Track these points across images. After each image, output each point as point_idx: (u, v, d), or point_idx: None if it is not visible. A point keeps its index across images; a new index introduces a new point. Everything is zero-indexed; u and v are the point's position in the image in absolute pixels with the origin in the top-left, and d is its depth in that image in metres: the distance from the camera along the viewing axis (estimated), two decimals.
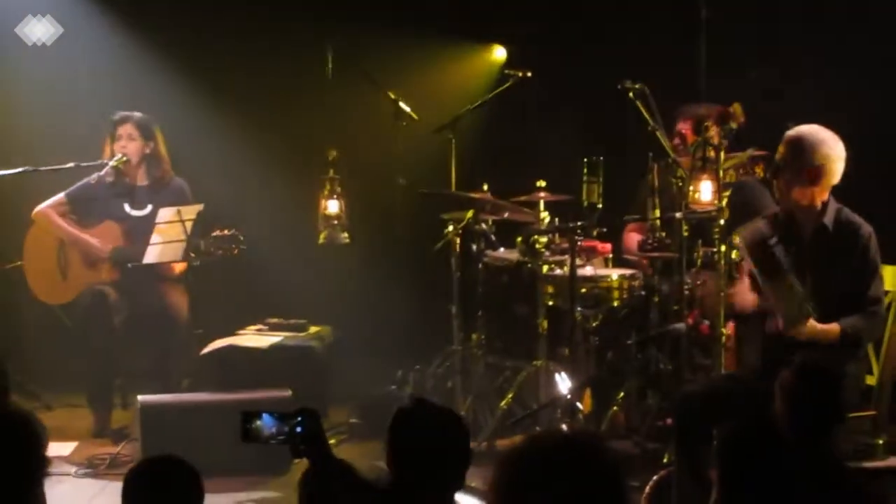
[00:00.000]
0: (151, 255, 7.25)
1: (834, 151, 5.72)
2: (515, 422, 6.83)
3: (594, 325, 7.11)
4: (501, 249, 7.57)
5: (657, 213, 6.87)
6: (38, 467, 3.58)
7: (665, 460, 6.46)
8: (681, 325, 6.52)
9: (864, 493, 4.35)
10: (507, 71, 7.85)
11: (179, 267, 7.44)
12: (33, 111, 8.51)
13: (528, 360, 7.18)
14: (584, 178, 6.92)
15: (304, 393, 6.88)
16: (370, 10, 8.63)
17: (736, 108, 6.72)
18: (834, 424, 4.49)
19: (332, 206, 7.61)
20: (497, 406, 7.16)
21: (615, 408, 7.07)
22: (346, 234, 7.63)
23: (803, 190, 5.71)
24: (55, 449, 6.81)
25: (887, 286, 5.97)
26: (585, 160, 6.93)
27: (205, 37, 8.59)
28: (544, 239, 7.05)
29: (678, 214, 6.45)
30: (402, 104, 7.73)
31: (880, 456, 5.42)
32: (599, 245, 7.25)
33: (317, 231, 7.67)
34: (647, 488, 5.89)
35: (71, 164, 7.54)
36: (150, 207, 7.48)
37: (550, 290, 7.12)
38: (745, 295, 5.84)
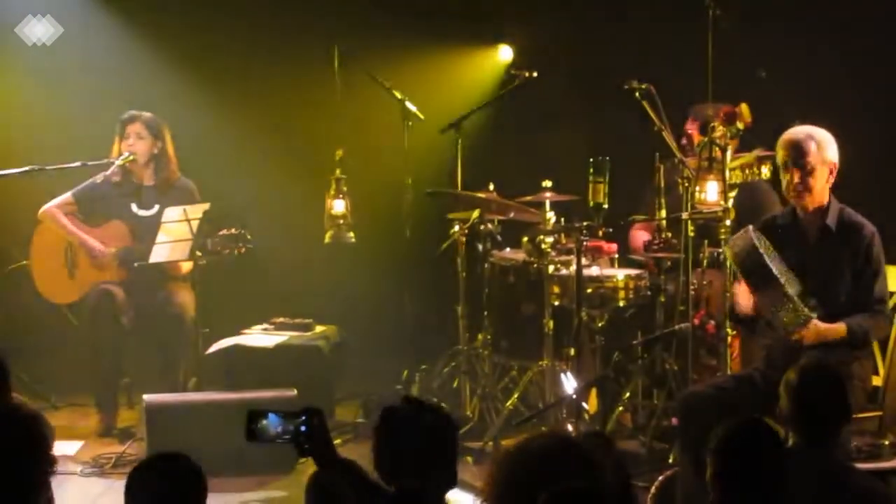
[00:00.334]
0: (158, 255, 7.25)
1: (836, 148, 5.75)
2: (521, 422, 6.83)
3: (600, 325, 7.11)
4: (507, 249, 7.57)
5: (663, 213, 6.87)
6: (44, 466, 3.59)
7: (671, 460, 6.46)
8: (686, 325, 6.51)
9: (870, 493, 4.34)
10: (513, 71, 7.86)
11: (186, 266, 7.44)
12: (33, 111, 8.51)
13: (534, 359, 7.18)
14: (590, 178, 6.91)
15: (309, 392, 6.89)
16: (376, 10, 8.63)
17: (743, 108, 6.73)
18: (840, 425, 4.48)
19: (338, 206, 7.61)
20: (503, 406, 7.17)
21: (621, 408, 7.07)
22: (351, 234, 7.64)
23: (822, 189, 5.72)
24: (61, 448, 6.82)
25: (893, 287, 5.97)
26: (591, 160, 6.92)
27: (210, 37, 8.59)
28: (550, 239, 7.05)
29: (684, 215, 6.44)
30: (408, 104, 7.73)
31: (886, 457, 5.42)
32: (605, 245, 7.24)
33: (323, 230, 7.68)
34: (653, 488, 5.88)
35: (77, 164, 7.54)
36: (156, 207, 7.48)
37: (556, 290, 7.12)
38: (744, 296, 5.83)
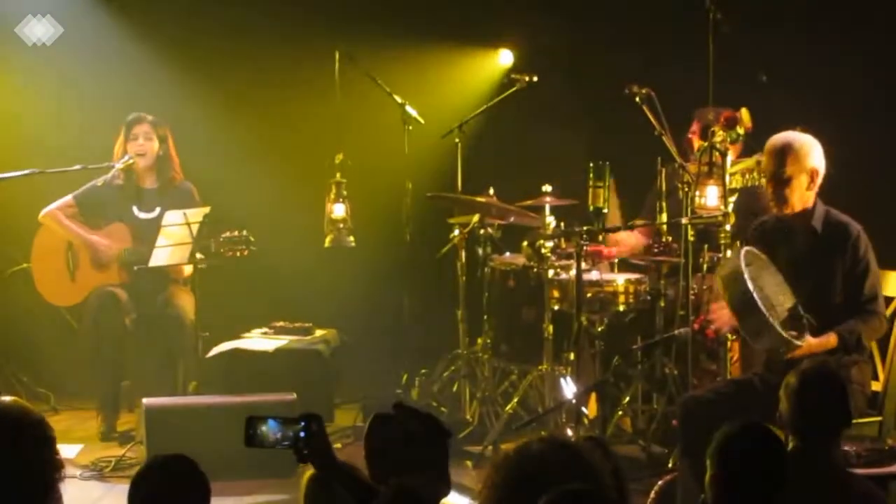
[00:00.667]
0: (158, 258, 7.26)
1: (820, 151, 5.75)
2: (521, 426, 6.83)
3: (600, 329, 7.11)
4: (507, 254, 7.58)
5: (664, 217, 6.87)
6: (53, 471, 3.59)
7: (670, 465, 6.46)
8: (686, 330, 6.51)
9: (869, 498, 4.34)
10: (513, 75, 7.86)
11: (187, 270, 7.45)
12: (33, 112, 8.51)
13: (534, 364, 7.18)
14: (590, 182, 6.92)
15: (309, 396, 6.89)
16: (377, 14, 8.64)
17: (744, 113, 6.73)
18: (840, 429, 4.48)
19: (339, 210, 7.62)
20: (503, 410, 7.17)
21: (620, 412, 7.08)
22: (352, 238, 7.64)
23: (803, 195, 5.71)
24: (61, 451, 6.80)
25: (891, 292, 5.97)
26: (591, 165, 6.93)
27: (210, 39, 8.59)
28: (550, 243, 7.05)
29: (684, 220, 6.44)
30: (408, 108, 7.74)
31: (886, 462, 5.41)
32: (605, 249, 7.25)
33: (323, 234, 7.68)
34: (653, 493, 5.88)
35: (78, 167, 7.54)
36: (157, 210, 7.49)
37: (556, 294, 7.12)
38: (724, 313, 5.83)
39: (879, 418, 5.78)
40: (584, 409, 6.92)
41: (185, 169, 7.69)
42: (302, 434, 3.65)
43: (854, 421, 5.47)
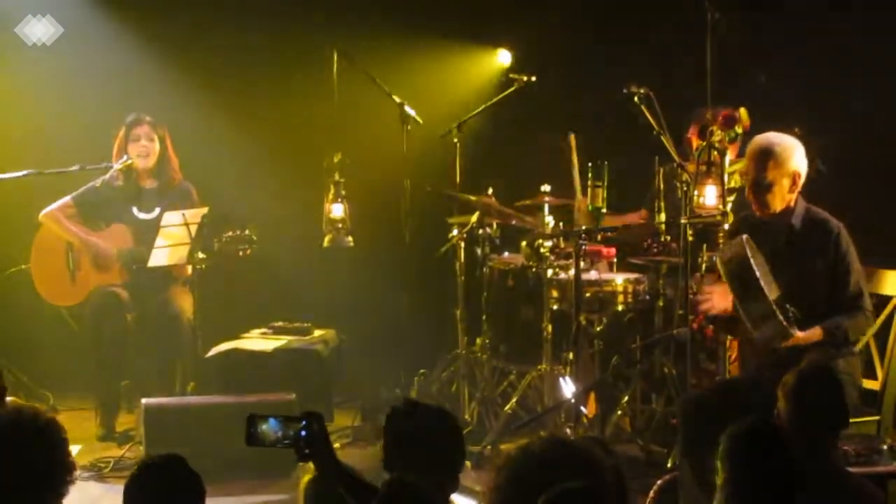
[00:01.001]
0: (156, 259, 7.26)
1: (802, 153, 5.74)
2: (520, 426, 6.83)
3: (599, 329, 7.12)
4: (506, 253, 7.58)
5: (662, 216, 6.87)
6: (64, 475, 3.59)
7: (669, 464, 6.47)
8: (685, 330, 6.52)
9: (867, 497, 4.34)
10: (511, 75, 7.86)
11: (186, 271, 7.45)
12: (33, 112, 8.51)
13: (533, 364, 7.18)
14: (589, 182, 6.92)
15: (308, 396, 6.90)
16: (376, 14, 8.64)
17: (742, 112, 6.73)
18: (838, 428, 4.49)
19: (337, 210, 7.61)
20: (502, 410, 7.17)
21: (620, 412, 7.07)
22: (350, 238, 7.64)
23: (784, 197, 5.70)
24: None
25: (890, 291, 5.97)
26: (590, 165, 6.93)
27: (209, 39, 8.59)
28: (549, 243, 7.05)
29: (683, 219, 6.45)
30: (407, 108, 7.74)
31: (885, 461, 5.42)
32: (604, 249, 7.25)
33: (321, 234, 7.68)
34: (652, 492, 5.89)
35: (76, 167, 7.54)
36: (157, 210, 7.49)
37: (555, 294, 7.13)
38: (721, 298, 5.83)
39: (877, 417, 5.79)
40: (583, 408, 6.92)
41: (184, 169, 7.70)
42: (303, 433, 3.66)
43: (853, 419, 5.50)
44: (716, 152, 6.38)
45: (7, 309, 8.11)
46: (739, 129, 6.75)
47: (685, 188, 6.64)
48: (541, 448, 3.14)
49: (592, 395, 7.07)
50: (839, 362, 5.54)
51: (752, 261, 5.46)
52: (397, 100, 7.75)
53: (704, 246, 6.66)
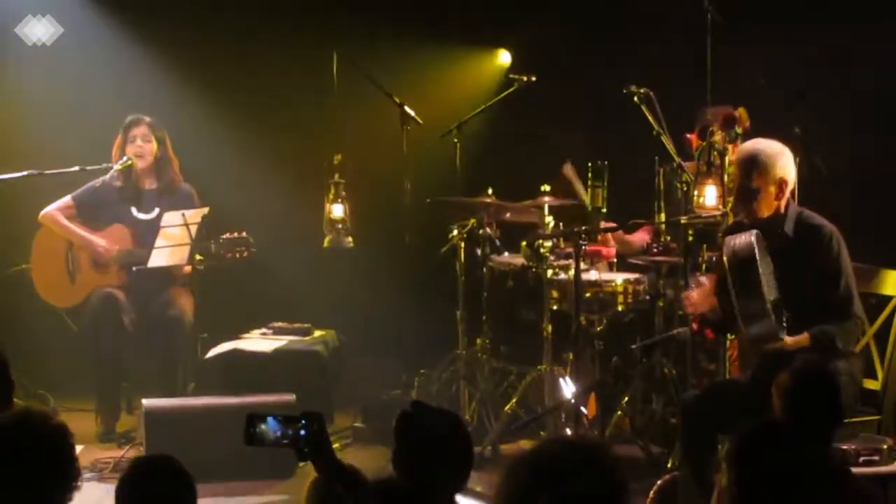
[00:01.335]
0: (157, 259, 7.26)
1: (789, 158, 5.69)
2: (520, 426, 6.83)
3: (599, 329, 7.11)
4: (506, 254, 7.58)
5: (662, 216, 6.87)
6: (72, 479, 3.59)
7: (669, 465, 6.46)
8: (685, 330, 6.51)
9: (865, 496, 4.34)
10: (511, 75, 7.86)
11: (185, 271, 7.45)
12: (33, 111, 8.51)
13: (533, 364, 7.18)
14: (589, 182, 6.92)
15: (308, 397, 6.89)
16: (375, 15, 8.64)
17: (741, 112, 6.73)
18: (834, 426, 4.48)
19: (337, 211, 7.62)
20: (502, 410, 7.17)
21: (620, 412, 7.07)
22: (350, 239, 7.64)
23: (770, 204, 5.68)
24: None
25: (890, 291, 5.96)
26: (590, 165, 6.93)
27: (209, 40, 8.59)
28: (549, 243, 7.05)
29: (683, 219, 6.44)
30: (407, 109, 7.73)
31: (885, 461, 5.41)
32: (604, 250, 7.25)
33: (322, 235, 7.68)
34: (652, 493, 5.89)
35: (76, 168, 7.54)
36: (156, 211, 7.49)
37: (555, 294, 7.13)
38: (703, 298, 5.82)
39: (878, 417, 5.78)
40: (583, 409, 6.91)
41: (184, 170, 7.69)
42: (302, 432, 3.65)
43: (854, 419, 5.50)
44: (716, 153, 6.38)
45: (7, 309, 8.11)
46: (740, 130, 6.74)
47: (685, 188, 6.64)
48: (551, 448, 3.12)
49: (592, 396, 7.07)
50: (839, 362, 5.51)
51: (757, 257, 5.44)
52: (397, 100, 7.75)
53: (704, 246, 6.65)
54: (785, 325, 5.48)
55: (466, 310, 7.58)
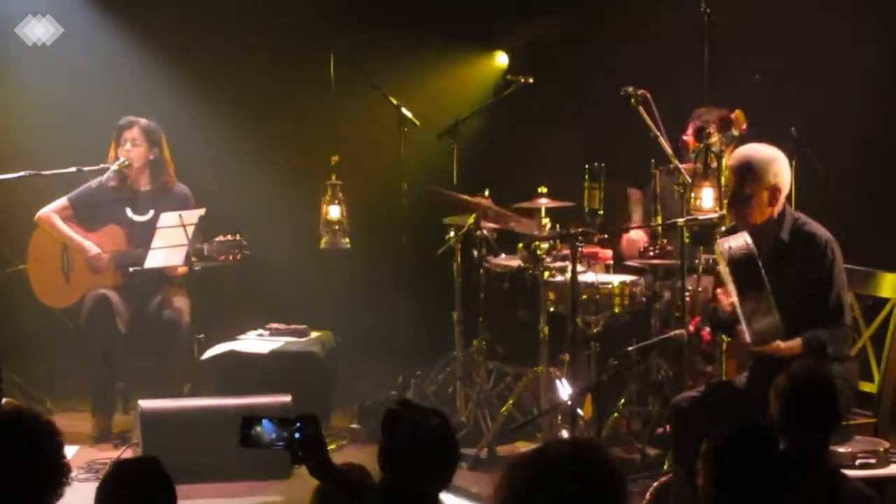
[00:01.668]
0: (153, 260, 7.26)
1: (782, 164, 5.68)
2: (516, 428, 6.83)
3: (595, 331, 7.11)
4: (503, 255, 7.57)
5: (659, 219, 6.87)
6: (61, 476, 3.59)
7: (665, 467, 6.46)
8: (682, 332, 6.51)
9: (861, 498, 4.34)
10: (509, 77, 7.86)
11: (181, 271, 7.45)
12: (33, 112, 8.51)
13: (530, 365, 7.18)
14: (586, 184, 6.92)
15: (304, 398, 6.88)
16: (373, 16, 8.64)
17: (738, 114, 6.73)
18: (830, 429, 4.48)
19: (334, 212, 7.62)
20: (498, 412, 7.16)
21: (616, 414, 7.08)
22: (347, 240, 7.64)
23: (763, 211, 5.67)
24: None
25: (887, 293, 5.96)
26: (587, 166, 6.93)
27: (207, 41, 8.60)
28: (546, 245, 7.05)
29: (679, 221, 6.44)
30: (404, 110, 7.74)
31: (881, 464, 5.42)
32: (601, 251, 7.25)
33: (318, 236, 7.68)
34: (648, 495, 5.89)
35: (73, 169, 7.53)
36: (151, 212, 7.48)
37: (552, 296, 7.13)
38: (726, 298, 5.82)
39: (874, 420, 5.78)
40: (579, 410, 6.92)
41: (181, 171, 7.68)
42: (297, 435, 3.65)
43: (850, 422, 5.50)
44: (713, 155, 6.38)
45: (3, 310, 8.11)
46: (737, 132, 6.75)
47: (682, 190, 6.64)
48: (554, 449, 3.12)
49: (589, 397, 7.07)
50: (834, 366, 5.52)
51: (755, 252, 5.44)
52: (394, 101, 7.75)
53: (701, 248, 6.65)
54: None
55: (463, 311, 7.59)
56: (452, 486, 3.80)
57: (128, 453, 6.91)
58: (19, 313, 8.10)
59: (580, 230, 6.74)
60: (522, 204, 7.31)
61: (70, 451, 7.13)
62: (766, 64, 7.71)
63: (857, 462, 5.33)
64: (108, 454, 7.02)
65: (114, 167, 7.47)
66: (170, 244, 7.22)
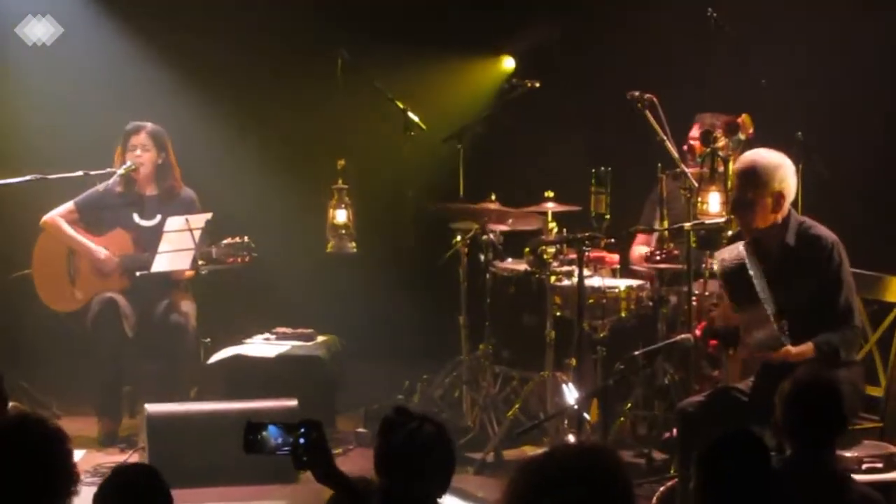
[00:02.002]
0: (160, 264, 7.26)
1: (788, 170, 5.68)
2: (522, 432, 6.82)
3: (601, 335, 7.10)
4: (509, 260, 7.57)
5: (665, 223, 6.87)
6: (69, 484, 3.58)
7: (672, 471, 6.45)
8: (688, 336, 6.51)
9: (868, 502, 4.33)
10: (514, 81, 7.86)
11: (188, 275, 7.45)
12: (33, 112, 8.52)
13: (536, 370, 7.18)
14: (592, 188, 6.92)
15: (310, 402, 6.88)
16: (379, 21, 8.65)
17: (745, 118, 6.72)
18: (836, 433, 4.48)
19: (340, 216, 7.62)
20: (504, 416, 7.16)
21: (622, 418, 7.07)
22: (353, 244, 7.65)
23: (766, 216, 5.66)
24: None
25: (893, 298, 5.95)
26: (593, 171, 6.93)
27: (212, 44, 8.60)
28: (552, 249, 7.05)
29: (686, 225, 6.43)
30: (410, 114, 7.74)
31: (888, 468, 5.41)
32: (607, 256, 7.25)
33: (325, 240, 7.68)
34: (654, 499, 5.88)
35: (80, 173, 7.53)
36: (158, 217, 7.49)
37: (558, 300, 7.13)
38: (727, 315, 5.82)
39: (881, 424, 5.77)
40: (585, 415, 6.90)
41: (187, 175, 7.68)
42: (301, 441, 3.65)
43: (856, 426, 5.49)
44: (719, 159, 6.37)
45: (10, 314, 8.11)
46: (743, 136, 6.74)
47: (688, 195, 6.63)
48: (562, 453, 3.12)
49: (595, 402, 7.06)
50: (841, 371, 5.51)
51: (748, 265, 5.44)
52: (401, 106, 7.76)
53: (708, 252, 6.65)
54: (786, 332, 5.48)
55: (469, 315, 7.59)
56: (457, 489, 3.81)
57: (134, 457, 6.92)
58: (25, 317, 8.10)
59: (587, 234, 6.74)
60: (529, 207, 7.31)
61: (76, 455, 7.14)
62: (770, 69, 7.70)
63: (864, 466, 5.33)
64: (115, 458, 7.03)
65: (120, 171, 7.47)
66: (176, 248, 7.22)
